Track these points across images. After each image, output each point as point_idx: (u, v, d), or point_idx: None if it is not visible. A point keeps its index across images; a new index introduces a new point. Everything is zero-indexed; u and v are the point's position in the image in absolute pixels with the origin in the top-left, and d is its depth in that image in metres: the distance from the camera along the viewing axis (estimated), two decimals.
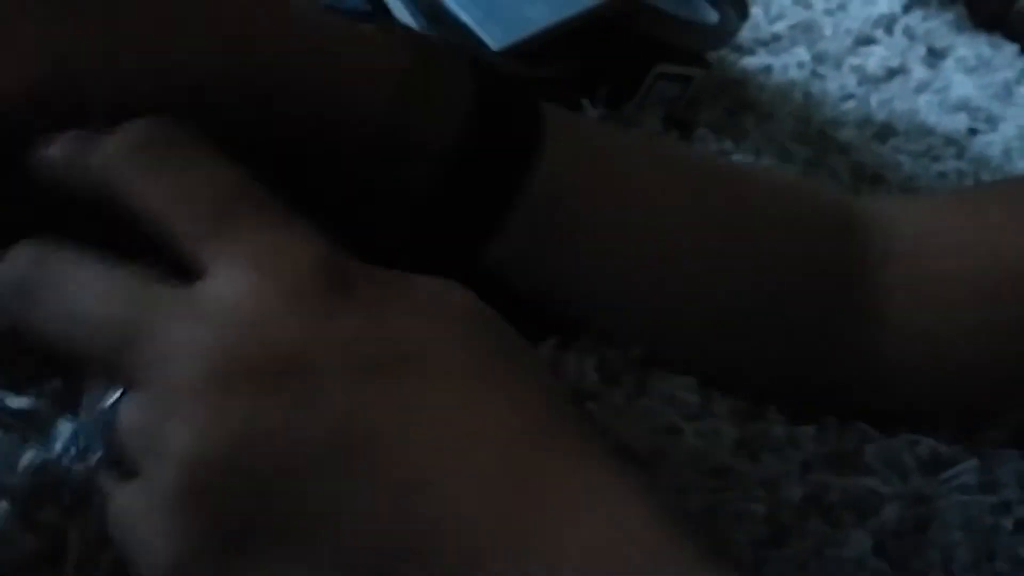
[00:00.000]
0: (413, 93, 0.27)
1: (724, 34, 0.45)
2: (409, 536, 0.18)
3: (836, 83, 0.61)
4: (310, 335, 0.18)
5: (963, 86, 0.71)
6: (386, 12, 0.38)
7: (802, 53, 0.62)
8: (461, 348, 0.19)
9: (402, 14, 0.39)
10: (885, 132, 0.59)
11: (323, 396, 0.18)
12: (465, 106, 0.27)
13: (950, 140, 0.62)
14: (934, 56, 0.74)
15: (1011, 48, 0.85)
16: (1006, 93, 0.75)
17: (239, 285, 0.18)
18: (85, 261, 0.20)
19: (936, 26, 0.79)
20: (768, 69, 0.57)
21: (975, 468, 0.35)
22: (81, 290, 0.19)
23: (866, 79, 0.64)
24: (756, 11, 0.62)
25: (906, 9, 0.77)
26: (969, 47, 0.79)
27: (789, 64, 0.59)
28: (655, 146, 0.37)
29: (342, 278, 0.19)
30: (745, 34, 0.59)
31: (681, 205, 0.31)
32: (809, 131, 0.54)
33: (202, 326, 0.18)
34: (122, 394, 0.18)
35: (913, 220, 0.34)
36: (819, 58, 0.63)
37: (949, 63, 0.75)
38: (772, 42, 0.61)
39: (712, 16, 0.44)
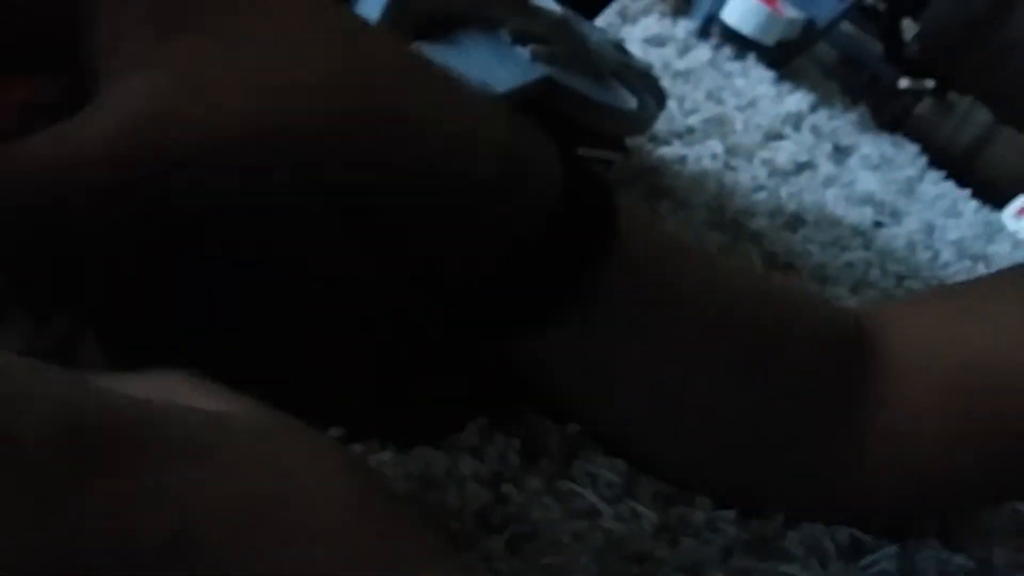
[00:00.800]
0: (512, 169, 0.26)
1: (643, 121, 0.46)
2: None
3: (748, 174, 0.63)
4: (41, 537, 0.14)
5: (868, 182, 0.73)
6: None
7: (715, 145, 0.63)
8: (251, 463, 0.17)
9: None
10: (795, 222, 0.60)
11: None
12: (555, 189, 0.27)
13: (857, 231, 0.64)
14: (840, 153, 0.77)
15: (912, 148, 0.90)
16: (908, 190, 0.79)
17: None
18: None
19: (841, 125, 0.83)
20: (683, 159, 0.58)
21: (895, 555, 0.35)
22: None
23: (776, 172, 0.66)
24: (671, 104, 0.64)
25: (812, 108, 0.81)
26: (873, 146, 0.83)
27: (703, 155, 0.61)
28: (701, 252, 0.38)
29: (87, 449, 0.15)
30: (661, 126, 0.60)
31: (720, 319, 0.31)
32: (723, 219, 0.55)
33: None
34: None
35: (904, 319, 0.36)
36: (731, 151, 0.64)
37: (854, 160, 0.78)
38: (686, 134, 0.63)
39: (631, 102, 0.45)
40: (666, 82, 0.65)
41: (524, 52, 0.43)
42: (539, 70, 0.43)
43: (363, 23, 0.27)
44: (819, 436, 0.33)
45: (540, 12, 0.49)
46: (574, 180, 0.28)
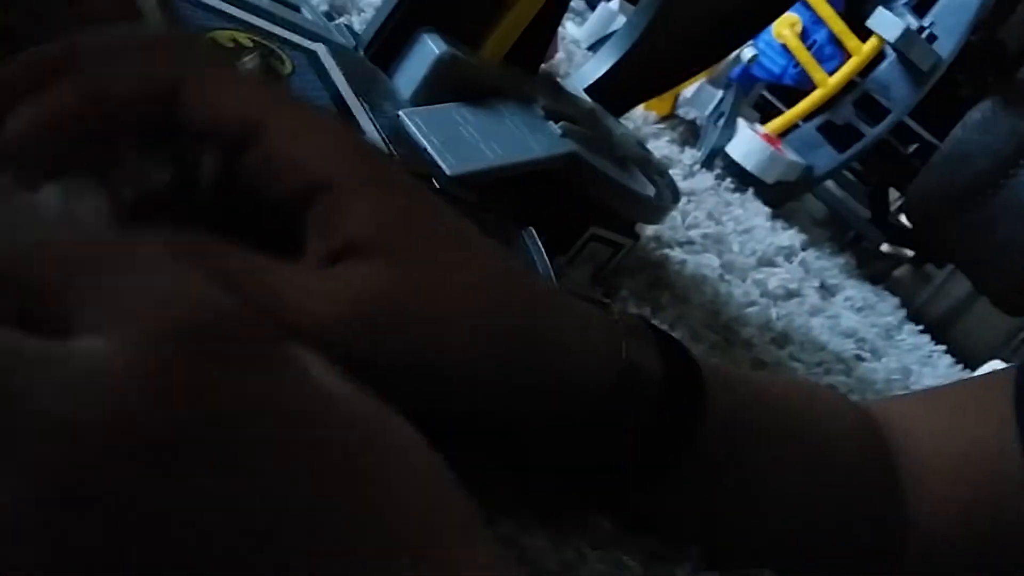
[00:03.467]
0: (629, 381, 0.29)
1: (658, 209, 0.48)
2: None
3: (741, 290, 0.65)
4: (172, 415, 0.16)
5: (851, 320, 0.76)
6: (350, 117, 0.40)
7: (713, 259, 0.66)
8: (350, 427, 0.18)
9: (367, 126, 0.40)
10: (783, 340, 0.62)
11: (188, 485, 0.16)
12: (657, 386, 0.30)
13: (839, 359, 0.66)
14: (826, 290, 0.80)
15: (893, 300, 0.93)
16: (888, 335, 0.81)
17: (98, 348, 0.16)
18: None
19: (829, 266, 0.86)
20: (683, 263, 0.61)
21: None
22: None
23: (767, 294, 0.68)
24: (674, 215, 0.67)
25: (803, 247, 0.84)
26: (857, 290, 0.86)
27: (701, 264, 0.63)
28: (761, 380, 0.41)
29: (217, 349, 0.17)
30: (664, 232, 0.63)
31: (790, 436, 0.35)
32: (717, 322, 0.57)
33: (57, 392, 0.15)
34: None
35: (906, 418, 0.38)
36: (727, 267, 0.67)
37: (839, 299, 0.80)
38: (687, 244, 0.66)
39: (649, 190, 0.48)
40: None
41: (555, 128, 0.46)
42: (568, 145, 0.45)
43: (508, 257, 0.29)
44: (868, 525, 0.36)
45: (572, 98, 0.52)
46: (675, 370, 0.31)
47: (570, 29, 0.97)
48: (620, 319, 0.31)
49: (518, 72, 0.49)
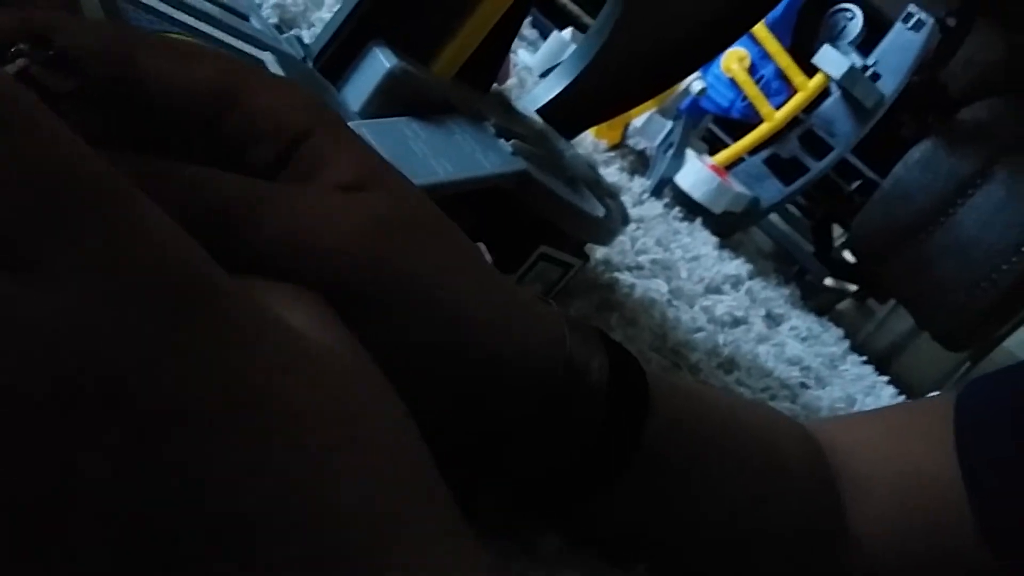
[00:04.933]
0: (574, 367, 0.29)
1: (607, 229, 0.48)
2: None
3: (688, 316, 0.65)
4: (143, 370, 0.15)
5: (796, 349, 0.77)
6: None
7: (661, 284, 0.66)
8: (316, 403, 0.17)
9: None
10: (730, 365, 0.63)
11: (149, 443, 0.15)
12: (604, 377, 0.30)
13: (785, 385, 0.66)
14: (772, 319, 0.81)
15: (837, 331, 0.94)
16: (832, 365, 0.82)
17: (71, 294, 0.15)
18: None
19: (774, 296, 0.87)
20: (632, 287, 0.61)
21: None
22: None
23: (714, 320, 0.68)
24: (624, 240, 0.67)
25: (750, 276, 0.85)
26: (801, 320, 0.87)
27: (650, 288, 0.63)
28: (708, 391, 0.42)
29: (188, 298, 0.16)
30: (613, 256, 0.63)
31: (736, 447, 0.35)
32: (665, 345, 0.57)
33: (22, 337, 0.14)
34: None
35: (848, 438, 0.39)
36: (675, 292, 0.67)
37: (785, 328, 0.81)
38: (636, 268, 0.66)
39: (599, 211, 0.48)
40: None
41: (506, 145, 0.46)
42: (518, 163, 0.45)
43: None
44: (799, 538, 0.36)
45: (523, 118, 0.52)
46: (618, 363, 0.31)
47: (522, 56, 0.97)
48: (569, 318, 0.31)
49: (469, 90, 0.49)
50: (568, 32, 0.98)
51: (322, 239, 0.22)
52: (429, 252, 0.24)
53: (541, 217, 0.46)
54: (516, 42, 0.62)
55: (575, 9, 1.27)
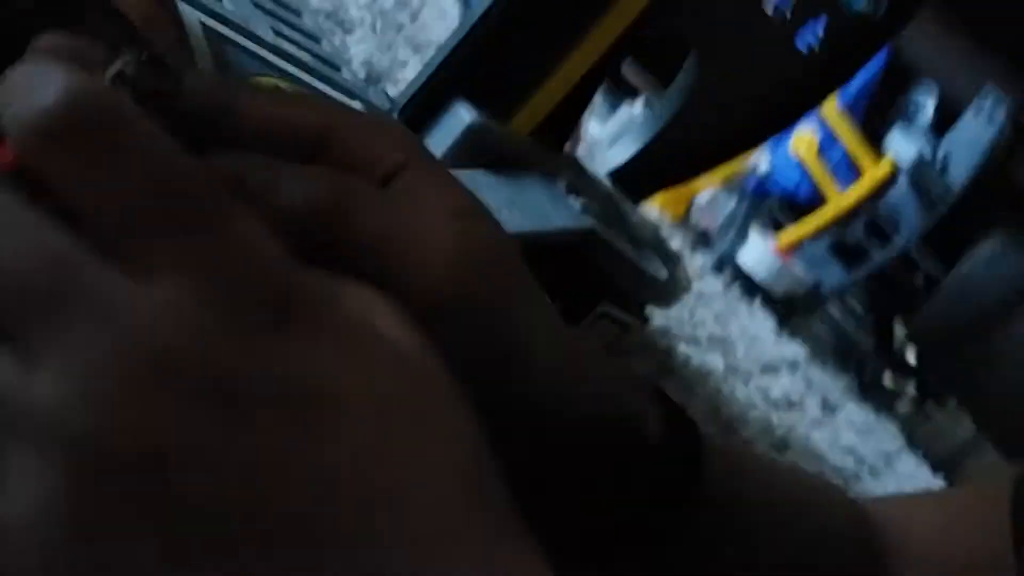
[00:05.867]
0: (632, 415, 0.29)
1: (670, 292, 0.48)
2: None
3: (743, 393, 0.64)
4: (236, 360, 0.16)
5: (851, 439, 0.75)
6: None
7: (717, 359, 0.65)
8: (392, 398, 0.18)
9: None
10: (782, 446, 0.62)
11: (242, 427, 0.16)
12: (660, 429, 0.30)
13: (839, 473, 0.65)
14: (828, 408, 0.80)
15: (893, 427, 0.92)
16: (887, 460, 0.80)
17: (169, 289, 0.16)
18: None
19: (831, 384, 0.86)
20: (688, 358, 0.60)
21: None
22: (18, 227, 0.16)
23: (769, 400, 0.68)
24: (682, 311, 0.67)
25: (807, 362, 0.84)
26: (858, 412, 0.85)
27: (706, 362, 0.63)
28: (760, 459, 0.42)
29: (280, 299, 0.17)
30: (671, 326, 0.63)
31: (784, 515, 0.34)
32: (718, 419, 0.56)
33: (129, 318, 0.16)
34: None
35: (903, 518, 0.38)
36: (730, 369, 0.66)
37: (840, 417, 0.80)
38: (692, 342, 0.65)
39: (663, 273, 0.48)
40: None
41: (576, 203, 0.46)
42: (587, 220, 0.46)
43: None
44: None
45: (593, 179, 0.53)
46: (674, 416, 0.31)
47: (592, 129, 0.99)
48: (630, 370, 0.31)
49: (543, 149, 0.50)
50: (638, 106, 1.00)
51: (415, 251, 0.22)
52: (511, 289, 0.25)
53: (605, 275, 0.47)
54: (585, 113, 0.64)
55: (642, 84, 1.29)
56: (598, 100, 1.12)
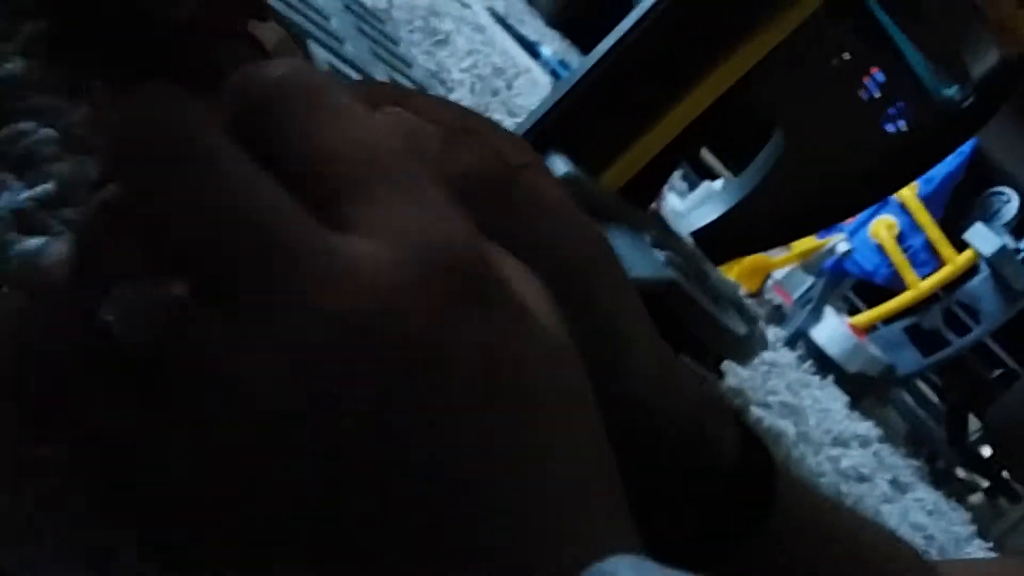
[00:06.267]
0: (708, 433, 0.30)
1: (747, 348, 0.50)
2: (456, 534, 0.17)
3: (813, 461, 0.65)
4: (435, 332, 0.17)
5: (921, 518, 0.75)
6: None
7: (788, 426, 0.66)
8: (549, 384, 0.19)
9: None
10: None
11: (440, 394, 0.17)
12: (735, 451, 0.31)
13: None
14: (897, 486, 0.79)
15: (964, 514, 0.91)
16: (957, 544, 0.79)
17: (383, 255, 0.17)
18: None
19: (902, 465, 0.85)
20: (760, 421, 0.61)
21: None
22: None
23: (839, 472, 0.68)
24: (755, 376, 0.68)
25: (879, 440, 0.84)
26: (928, 494, 0.84)
27: (777, 426, 0.64)
28: (834, 506, 0.43)
29: (478, 284, 0.18)
30: (745, 389, 0.64)
31: (849, 557, 0.34)
32: None
33: (335, 280, 0.16)
34: None
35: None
36: (801, 437, 0.67)
37: (910, 497, 0.79)
38: (765, 406, 0.66)
39: (741, 329, 0.49)
40: (753, 367, 0.69)
41: (660, 255, 0.49)
42: (670, 272, 0.48)
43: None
44: None
45: (677, 236, 0.55)
46: (749, 440, 0.33)
47: (672, 201, 1.01)
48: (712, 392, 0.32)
49: (631, 205, 0.52)
50: (719, 183, 1.02)
51: (565, 235, 0.24)
52: (621, 291, 0.26)
53: (685, 327, 0.48)
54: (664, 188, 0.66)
55: (719, 166, 1.32)
56: (677, 178, 1.15)
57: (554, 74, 0.99)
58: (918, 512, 0.75)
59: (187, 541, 0.17)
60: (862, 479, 0.71)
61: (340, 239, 0.17)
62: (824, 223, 0.63)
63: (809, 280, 0.93)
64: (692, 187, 1.13)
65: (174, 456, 0.16)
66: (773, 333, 0.88)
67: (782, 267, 0.92)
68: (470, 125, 0.25)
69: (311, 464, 0.16)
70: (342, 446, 0.16)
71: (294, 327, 0.16)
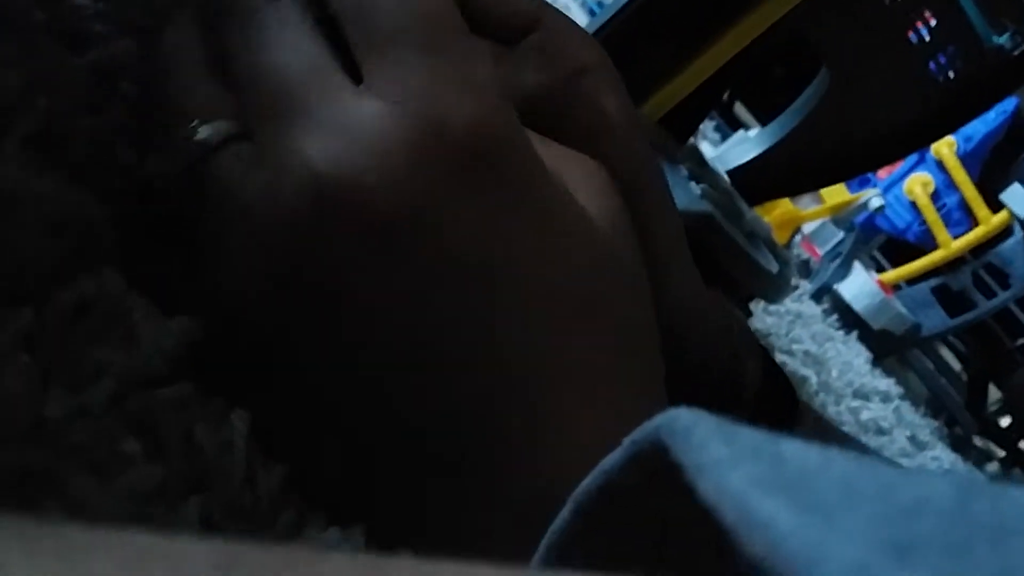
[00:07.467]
0: (737, 359, 0.31)
1: (779, 286, 0.50)
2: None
3: (834, 410, 0.65)
4: (414, 202, 0.16)
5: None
6: None
7: (811, 375, 0.66)
8: (571, 281, 0.19)
9: None
10: None
11: (408, 267, 0.16)
12: (757, 381, 0.32)
13: None
14: (916, 443, 0.79)
15: (980, 477, 0.91)
16: None
17: (383, 115, 0.16)
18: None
19: (922, 425, 0.85)
20: (784, 363, 0.61)
21: None
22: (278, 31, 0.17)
23: (859, 424, 0.68)
24: (779, 324, 0.67)
25: (900, 397, 0.83)
26: (946, 453, 0.84)
27: (798, 373, 0.63)
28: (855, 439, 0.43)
29: (486, 163, 0.17)
30: (770, 335, 0.64)
31: None
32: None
33: (335, 136, 0.16)
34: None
35: None
36: (823, 387, 0.67)
37: (928, 454, 0.79)
38: (788, 354, 0.66)
39: (773, 266, 0.49)
40: (778, 315, 0.69)
41: (696, 188, 0.48)
42: (705, 205, 0.47)
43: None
44: None
45: (713, 171, 0.55)
46: (769, 370, 0.33)
47: (706, 149, 1.00)
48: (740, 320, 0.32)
49: (670, 136, 0.51)
50: (754, 131, 1.01)
51: (619, 148, 0.23)
52: (666, 209, 0.25)
53: (717, 261, 0.48)
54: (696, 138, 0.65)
55: (751, 120, 1.30)
56: (709, 129, 1.14)
57: (591, 12, 0.97)
58: (934, 472, 0.75)
59: None
60: (881, 432, 0.71)
61: (352, 95, 0.17)
62: (861, 169, 0.62)
63: (839, 235, 0.92)
64: (724, 139, 1.12)
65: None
66: (800, 287, 0.88)
67: (814, 220, 0.91)
68: (542, 15, 0.25)
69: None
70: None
71: (282, 170, 0.16)
